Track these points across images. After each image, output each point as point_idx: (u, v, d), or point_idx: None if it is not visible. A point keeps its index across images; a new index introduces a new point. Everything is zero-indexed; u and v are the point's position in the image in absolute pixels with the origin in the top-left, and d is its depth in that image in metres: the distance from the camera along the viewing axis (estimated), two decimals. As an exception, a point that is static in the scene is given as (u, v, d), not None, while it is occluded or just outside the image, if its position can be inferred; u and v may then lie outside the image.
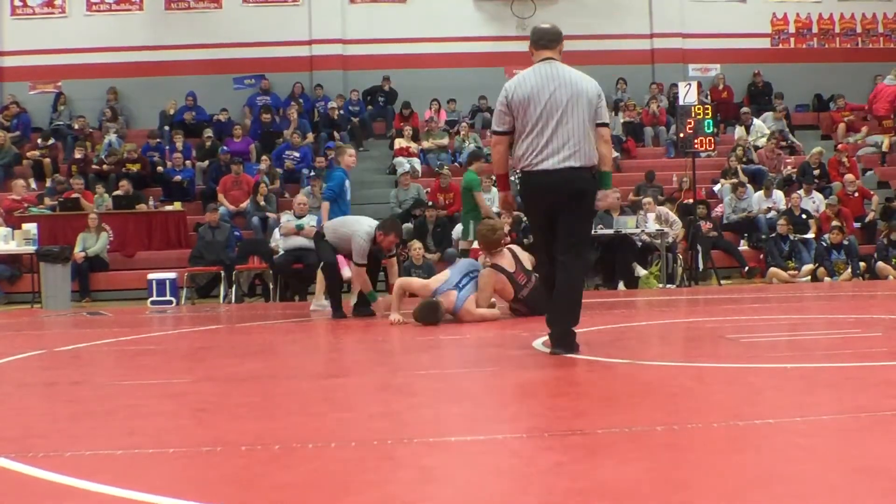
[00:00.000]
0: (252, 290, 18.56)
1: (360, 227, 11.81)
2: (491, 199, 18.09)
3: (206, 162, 22.28)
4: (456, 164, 22.96)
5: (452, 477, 3.70)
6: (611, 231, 17.25)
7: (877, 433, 4.21)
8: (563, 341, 7.24)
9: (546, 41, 8.19)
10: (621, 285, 17.07)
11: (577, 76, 7.89)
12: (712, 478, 3.49)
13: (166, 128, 23.93)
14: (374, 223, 11.95)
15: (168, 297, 16.28)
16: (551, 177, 7.34)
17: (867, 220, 20.65)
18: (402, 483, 3.56)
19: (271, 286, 17.51)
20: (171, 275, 16.70)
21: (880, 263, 18.50)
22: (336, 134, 23.96)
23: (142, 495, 3.44)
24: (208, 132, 23.25)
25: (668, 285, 16.84)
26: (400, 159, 22.59)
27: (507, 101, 7.69)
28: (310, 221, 17.54)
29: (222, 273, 17.66)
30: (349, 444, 4.20)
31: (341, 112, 24.87)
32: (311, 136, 23.32)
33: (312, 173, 20.09)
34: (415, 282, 11.57)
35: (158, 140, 22.97)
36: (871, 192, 21.69)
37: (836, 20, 28.53)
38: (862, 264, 18.67)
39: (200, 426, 4.89)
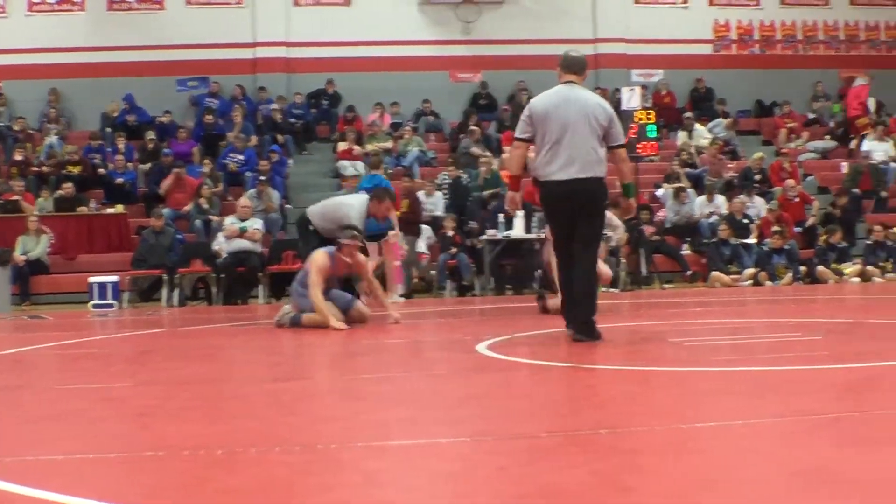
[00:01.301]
0: (195, 294, 18.44)
1: (352, 201, 11.65)
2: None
3: (149, 164, 22.11)
4: (399, 167, 22.93)
5: (397, 481, 3.70)
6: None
7: (818, 436, 4.25)
8: (586, 329, 8.07)
9: (575, 67, 8.96)
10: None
11: (590, 98, 8.71)
12: (656, 481, 3.51)
13: (108, 129, 23.71)
14: (365, 197, 11.79)
15: (110, 301, 16.13)
16: (563, 186, 8.31)
17: (808, 224, 20.85)
18: (347, 487, 3.55)
19: (214, 289, 17.41)
20: (113, 278, 16.56)
21: (820, 267, 18.70)
22: (279, 137, 23.87)
23: (84, 501, 3.40)
24: (150, 134, 23.08)
25: (612, 289, 16.91)
26: (343, 162, 22.52)
27: (530, 113, 8.56)
28: (253, 224, 17.48)
29: (165, 276, 17.53)
30: (294, 449, 4.18)
31: (283, 115, 24.77)
32: (254, 139, 23.20)
33: (261, 178, 19.98)
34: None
35: (100, 142, 22.75)
36: (812, 198, 21.91)
37: (777, 27, 28.80)
38: (802, 268, 18.88)
39: (143, 430, 4.85)
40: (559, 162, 8.31)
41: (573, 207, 8.33)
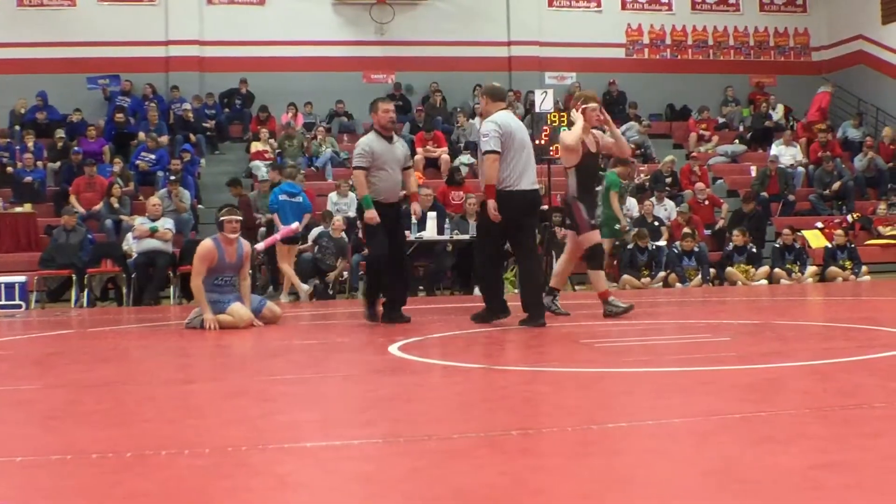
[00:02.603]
0: (105, 294, 18.24)
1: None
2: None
3: (58, 163, 21.82)
4: (312, 168, 22.86)
5: (308, 483, 3.68)
6: (467, 237, 17.36)
7: (726, 436, 4.30)
8: (539, 314, 9.90)
9: (502, 97, 10.57)
10: (477, 290, 17.17)
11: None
12: (568, 482, 3.53)
13: (17, 127, 23.36)
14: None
15: (17, 302, 15.88)
16: (530, 195, 10.12)
17: (717, 227, 21.14)
18: (258, 490, 3.53)
19: (124, 290, 17.23)
20: (21, 278, 16.31)
21: (729, 269, 18.95)
22: (192, 136, 23.69)
23: (-12, 505, 3.35)
24: (60, 132, 22.78)
25: (514, 291, 16.97)
26: (256, 163, 22.42)
27: (500, 130, 9.92)
28: (164, 224, 17.33)
29: (74, 277, 17.32)
30: (203, 451, 4.15)
31: (195, 115, 24.57)
32: (166, 139, 23.00)
33: (172, 177, 19.81)
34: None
35: (8, 140, 22.42)
36: (721, 200, 22.21)
37: (689, 32, 29.19)
38: (712, 270, 19.13)
39: (50, 434, 4.78)
40: (528, 174, 10.06)
41: (530, 213, 10.25)
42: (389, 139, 10.81)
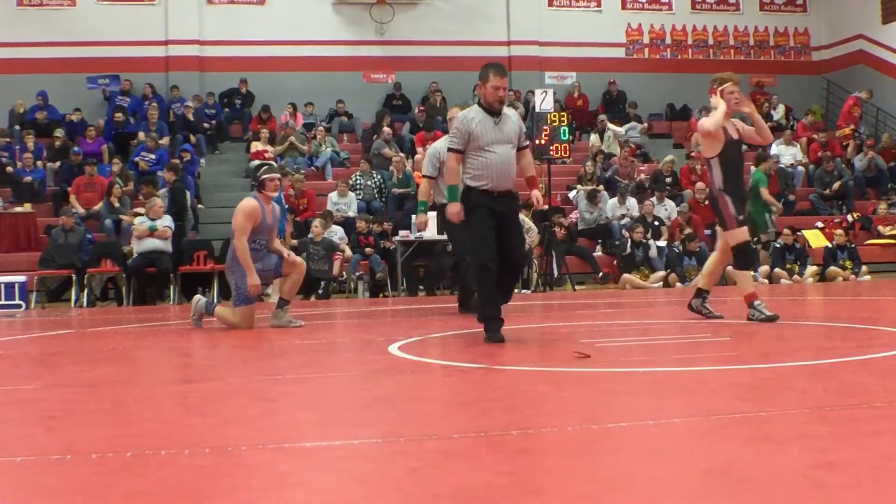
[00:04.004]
0: (105, 294, 18.23)
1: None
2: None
3: (58, 163, 21.82)
4: (312, 168, 22.85)
5: (308, 483, 3.68)
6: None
7: (726, 435, 4.30)
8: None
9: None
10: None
11: None
12: (568, 481, 3.52)
13: (17, 127, 23.36)
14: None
15: (17, 302, 15.87)
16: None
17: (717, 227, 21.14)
18: (257, 490, 3.53)
19: (124, 290, 17.22)
20: (21, 278, 16.30)
21: (729, 269, 18.93)
22: (192, 136, 23.69)
23: (-13, 505, 3.35)
24: (59, 132, 22.78)
25: (524, 290, 17.00)
26: (256, 162, 22.40)
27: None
28: (164, 223, 17.31)
29: (74, 276, 17.31)
30: (203, 451, 4.15)
31: (195, 115, 24.58)
32: (166, 139, 23.00)
33: (169, 171, 19.80)
34: None
35: (8, 140, 22.41)
36: (721, 200, 22.19)
37: (689, 32, 29.20)
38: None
39: (50, 433, 4.78)
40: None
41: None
42: (496, 115, 8.63)
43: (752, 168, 19.74)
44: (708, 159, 10.10)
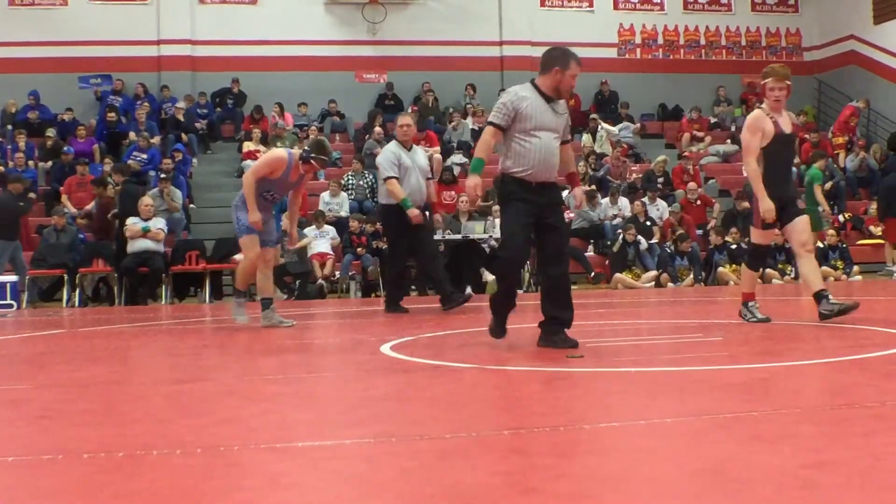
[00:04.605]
0: (97, 294, 18.21)
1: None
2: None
3: (50, 162, 21.79)
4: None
5: (300, 483, 3.67)
6: (459, 237, 17.37)
7: (717, 435, 4.30)
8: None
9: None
10: (469, 290, 17.22)
11: None
12: (560, 481, 3.52)
13: (8, 127, 23.33)
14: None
15: (9, 301, 15.88)
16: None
17: (709, 227, 21.16)
18: (250, 490, 3.53)
19: (116, 290, 17.21)
20: (12, 278, 16.30)
21: (721, 269, 18.97)
22: (184, 136, 23.67)
23: (-21, 505, 3.34)
24: (51, 132, 22.75)
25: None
26: (248, 162, 22.41)
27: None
28: (156, 224, 17.30)
29: (66, 276, 17.30)
30: (195, 451, 4.14)
31: (187, 114, 24.55)
32: (158, 139, 22.98)
33: (163, 175, 19.78)
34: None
35: (0, 139, 22.39)
36: (713, 200, 22.24)
37: (681, 32, 29.24)
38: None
39: (41, 434, 4.77)
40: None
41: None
42: (549, 100, 8.01)
43: (812, 167, 19.91)
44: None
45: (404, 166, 12.30)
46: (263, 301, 10.83)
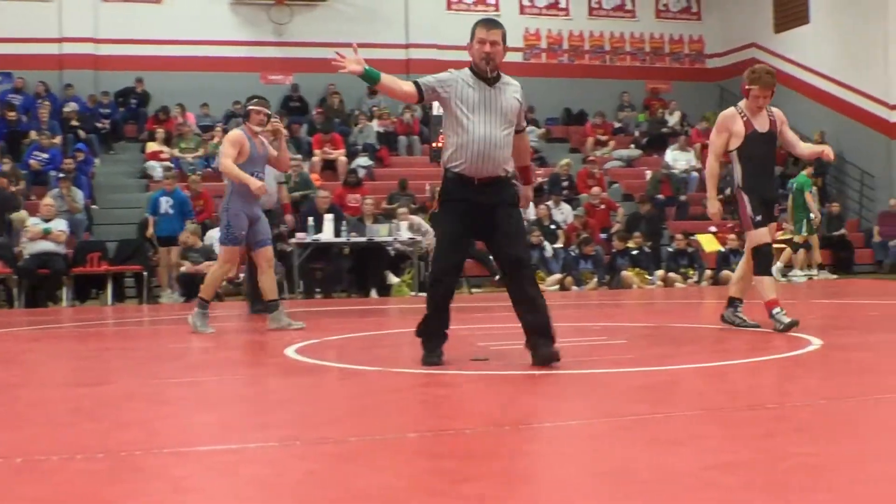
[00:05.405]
0: (-6, 296, 17.91)
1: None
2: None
3: (-53, 161, 21.37)
4: (209, 168, 22.63)
5: (204, 487, 3.64)
6: (364, 239, 17.35)
7: (622, 437, 4.34)
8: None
9: None
10: (374, 293, 17.22)
11: None
12: (465, 484, 3.53)
13: None
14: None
15: None
16: None
17: (613, 231, 21.35)
18: (153, 495, 3.49)
19: (15, 291, 16.92)
20: None
21: (624, 273, 19.14)
22: (81, 133, 23.31)
23: None
24: (-51, 130, 22.34)
25: (420, 293, 17.00)
26: (152, 163, 22.18)
27: None
28: (57, 226, 17.04)
29: (-38, 278, 16.98)
30: (96, 456, 4.08)
31: (89, 114, 24.22)
32: (59, 138, 22.61)
33: (62, 175, 19.46)
34: None
35: None
36: (617, 204, 22.44)
37: (586, 37, 29.46)
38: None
39: (-63, 438, 4.68)
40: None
41: None
42: (489, 81, 7.70)
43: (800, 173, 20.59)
44: (727, 153, 9.40)
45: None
46: (270, 303, 10.52)
